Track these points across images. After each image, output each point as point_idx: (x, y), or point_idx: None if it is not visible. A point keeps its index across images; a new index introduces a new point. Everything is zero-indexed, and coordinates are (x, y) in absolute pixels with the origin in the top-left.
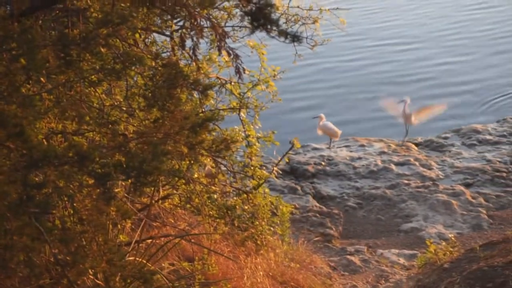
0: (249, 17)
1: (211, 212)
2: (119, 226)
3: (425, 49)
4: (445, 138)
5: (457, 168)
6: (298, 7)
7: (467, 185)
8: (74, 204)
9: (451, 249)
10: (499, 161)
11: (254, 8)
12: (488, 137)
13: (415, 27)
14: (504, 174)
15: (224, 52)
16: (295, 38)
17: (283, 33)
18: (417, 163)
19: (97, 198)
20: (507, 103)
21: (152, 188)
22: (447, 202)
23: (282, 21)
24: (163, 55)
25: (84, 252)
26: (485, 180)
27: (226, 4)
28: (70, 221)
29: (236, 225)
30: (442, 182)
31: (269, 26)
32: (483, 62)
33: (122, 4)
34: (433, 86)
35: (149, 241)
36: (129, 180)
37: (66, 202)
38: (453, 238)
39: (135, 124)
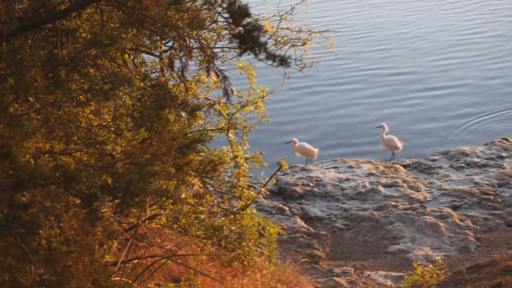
0: (238, 40)
1: (198, 233)
2: (105, 246)
3: (415, 74)
4: (433, 160)
5: (445, 190)
6: (287, 28)
7: (455, 208)
8: (61, 224)
9: (438, 272)
10: (487, 184)
11: (242, 31)
12: (476, 159)
13: (406, 52)
14: (492, 197)
15: (212, 73)
16: (283, 61)
17: (271, 56)
18: (405, 185)
19: (83, 219)
20: (492, 125)
21: (139, 208)
22: (434, 224)
23: (271, 43)
24: (152, 75)
25: (70, 272)
26: (473, 202)
27: (215, 25)
28: (56, 241)
29: (223, 245)
30: (430, 204)
31: (257, 49)
32: (474, 88)
33: (112, 25)
34: (422, 110)
35: (135, 261)
36: (116, 201)
37: (53, 222)
38: (440, 261)
39: (123, 145)
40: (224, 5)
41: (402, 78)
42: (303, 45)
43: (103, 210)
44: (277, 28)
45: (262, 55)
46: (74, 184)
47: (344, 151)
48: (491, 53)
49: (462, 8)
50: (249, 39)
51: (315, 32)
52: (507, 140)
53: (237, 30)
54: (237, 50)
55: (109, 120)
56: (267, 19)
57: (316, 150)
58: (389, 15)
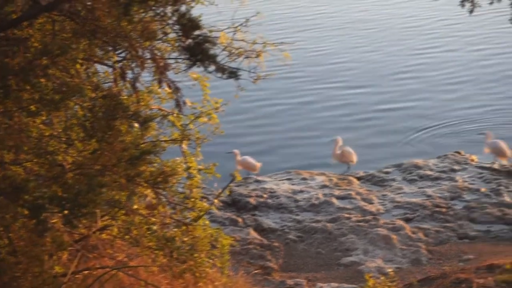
0: (187, 52)
1: (150, 244)
2: (55, 257)
3: (371, 87)
4: (387, 172)
5: (398, 202)
6: (242, 40)
7: (407, 220)
8: (10, 235)
9: (390, 284)
10: (439, 197)
11: (192, 43)
12: (428, 172)
13: (361, 65)
14: (444, 210)
15: (165, 84)
16: (232, 74)
17: (221, 69)
18: (358, 197)
19: (32, 230)
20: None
21: (90, 219)
22: (387, 236)
23: (225, 54)
24: (106, 85)
25: (18, 283)
26: (425, 215)
27: (168, 36)
28: (4, 252)
29: (175, 257)
30: (382, 216)
31: (206, 62)
32: (428, 102)
33: (64, 35)
34: (376, 124)
35: (85, 272)
36: (65, 212)
37: (1, 233)
38: (392, 273)
39: (74, 155)
40: (175, 18)
41: (356, 92)
42: (257, 57)
43: (53, 221)
44: (231, 39)
45: (212, 67)
46: (22, 195)
47: (298, 163)
48: (444, 68)
49: (419, 22)
50: (199, 51)
51: (270, 44)
52: (459, 153)
53: (187, 42)
54: (187, 63)
55: (60, 130)
56: (222, 31)
57: (258, 165)
58: (346, 30)
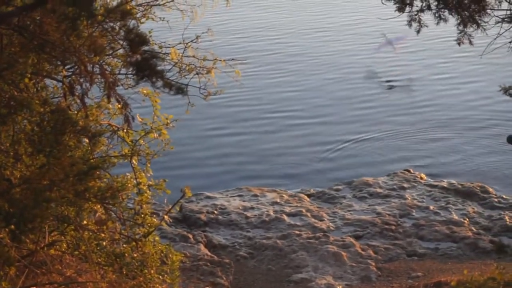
0: (135, 67)
1: (99, 260)
2: (1, 272)
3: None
4: (337, 190)
5: (348, 220)
6: (193, 56)
7: (357, 237)
8: None
9: None
10: (389, 214)
11: (139, 59)
12: (378, 190)
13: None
14: (393, 227)
15: (114, 100)
16: (180, 90)
17: (168, 85)
18: (308, 214)
19: None
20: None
21: (37, 234)
22: (337, 253)
23: (176, 70)
24: (56, 100)
25: None
26: (375, 232)
27: (119, 52)
28: None
29: (124, 273)
30: (332, 233)
31: (154, 77)
32: (377, 120)
33: (12, 49)
34: (324, 142)
35: None
36: (11, 226)
37: None
38: None
39: (22, 170)
40: (123, 33)
41: (303, 108)
42: (207, 73)
43: (0, 236)
44: (182, 56)
45: (159, 83)
46: None
47: (249, 180)
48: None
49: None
50: (147, 66)
51: (220, 60)
52: (408, 171)
53: (135, 58)
54: (135, 79)
55: (8, 145)
56: (173, 47)
57: None
58: (301, 55)
